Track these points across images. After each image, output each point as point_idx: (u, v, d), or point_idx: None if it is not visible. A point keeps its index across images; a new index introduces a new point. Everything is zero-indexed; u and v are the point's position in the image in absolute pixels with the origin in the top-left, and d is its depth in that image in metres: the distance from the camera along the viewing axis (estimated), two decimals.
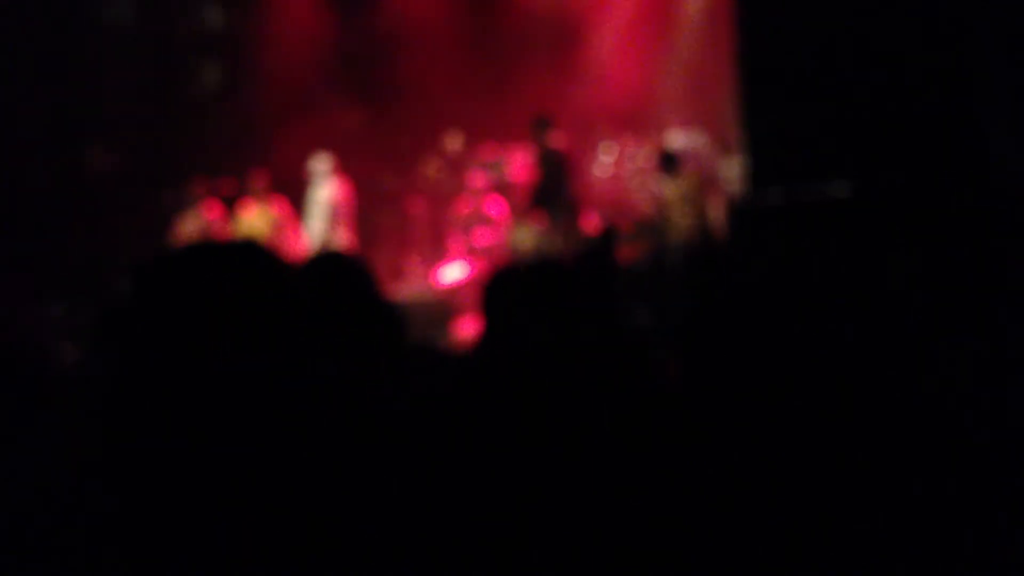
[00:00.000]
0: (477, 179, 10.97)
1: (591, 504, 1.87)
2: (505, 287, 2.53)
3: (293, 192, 10.77)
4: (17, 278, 9.81)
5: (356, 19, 12.50)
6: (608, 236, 8.82)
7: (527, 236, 9.71)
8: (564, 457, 1.95)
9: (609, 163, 11.31)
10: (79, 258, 10.60)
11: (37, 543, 1.43)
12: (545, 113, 10.00)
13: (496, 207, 10.64)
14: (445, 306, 9.35)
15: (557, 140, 9.91)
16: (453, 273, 10.42)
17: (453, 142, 11.08)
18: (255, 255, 1.46)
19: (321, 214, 10.50)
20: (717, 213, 9.10)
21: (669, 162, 9.48)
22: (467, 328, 9.08)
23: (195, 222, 10.22)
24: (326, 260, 2.73)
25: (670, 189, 9.34)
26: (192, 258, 1.45)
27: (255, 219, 10.21)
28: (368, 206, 11.63)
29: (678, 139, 10.78)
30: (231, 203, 10.52)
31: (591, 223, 10.24)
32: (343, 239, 10.46)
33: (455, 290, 9.92)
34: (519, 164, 10.98)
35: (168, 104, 12.13)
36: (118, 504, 1.39)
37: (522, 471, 1.93)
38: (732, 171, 9.96)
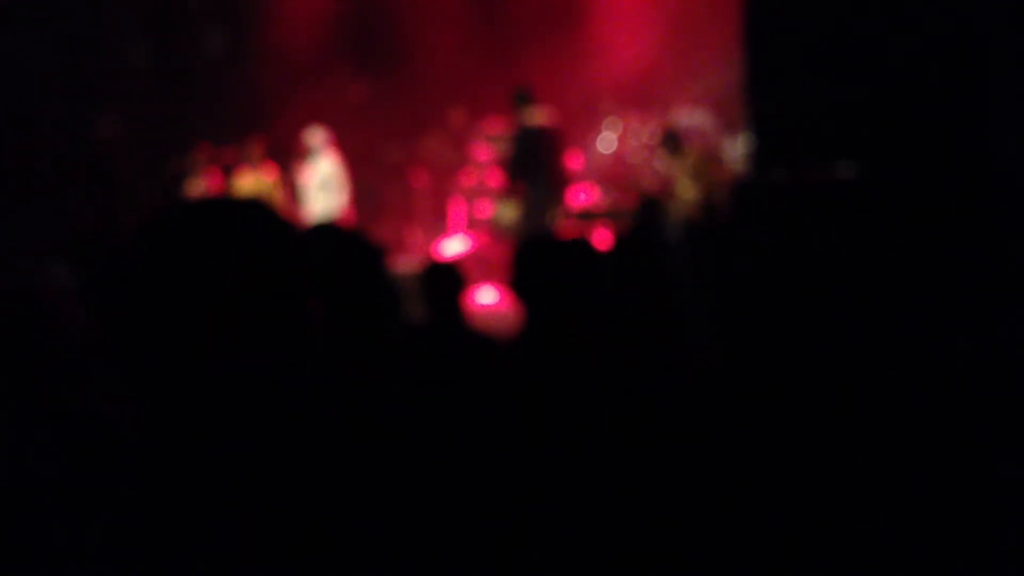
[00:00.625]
0: (481, 152, 10.95)
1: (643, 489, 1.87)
2: (544, 267, 2.53)
3: (295, 160, 10.77)
4: (23, 242, 9.81)
5: None
6: (650, 209, 8.67)
7: (509, 212, 9.64)
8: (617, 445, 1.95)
9: (613, 139, 11.29)
10: (85, 223, 10.61)
11: (37, 514, 1.43)
12: (525, 87, 9.72)
13: (499, 180, 10.63)
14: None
15: (540, 115, 9.75)
16: (455, 246, 10.42)
17: (457, 116, 11.02)
18: (261, 212, 1.45)
19: (322, 187, 10.45)
20: (723, 190, 9.08)
21: (672, 142, 9.46)
22: (476, 300, 9.09)
23: (196, 189, 10.27)
24: (325, 233, 2.72)
25: (675, 165, 9.33)
26: (199, 214, 1.44)
27: (250, 185, 10.24)
28: (371, 178, 11.63)
29: (683, 117, 10.76)
30: (231, 170, 10.53)
31: (589, 197, 10.23)
32: (341, 212, 10.45)
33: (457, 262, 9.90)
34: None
35: (174, 72, 12.11)
36: (125, 472, 1.39)
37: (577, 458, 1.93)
38: (737, 150, 9.94)
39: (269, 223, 1.46)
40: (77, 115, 11.41)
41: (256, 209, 1.47)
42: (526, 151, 9.56)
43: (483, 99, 11.13)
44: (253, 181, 10.30)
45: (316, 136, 10.43)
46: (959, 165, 4.98)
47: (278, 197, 10.24)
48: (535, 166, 9.54)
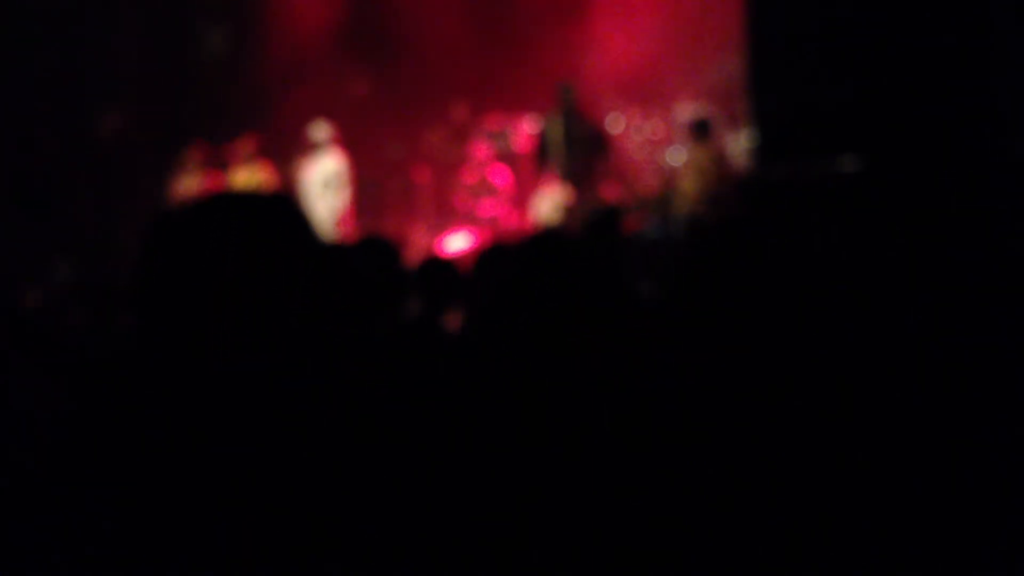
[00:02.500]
0: (481, 149, 10.95)
1: (599, 489, 1.87)
2: (495, 263, 2.52)
3: (296, 156, 10.77)
4: (24, 241, 9.81)
5: None
6: (613, 209, 8.75)
7: (553, 208, 9.62)
8: (569, 441, 1.94)
9: (616, 134, 11.27)
10: (86, 221, 10.61)
11: (34, 513, 1.42)
12: (570, 80, 9.88)
13: (501, 177, 10.62)
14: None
15: (587, 111, 9.87)
16: (457, 242, 10.42)
17: (458, 111, 10.99)
18: (284, 207, 1.44)
19: (326, 184, 10.37)
20: (727, 185, 9.05)
21: (702, 129, 9.37)
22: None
23: (191, 186, 10.25)
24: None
25: (696, 155, 9.27)
26: (211, 209, 1.43)
27: (244, 182, 10.24)
28: (373, 174, 11.62)
29: (686, 112, 10.74)
30: (226, 168, 10.52)
31: (609, 194, 10.23)
32: (343, 210, 10.43)
33: (459, 259, 9.90)
34: (524, 134, 10.95)
35: (175, 68, 12.11)
36: (123, 470, 1.38)
37: (528, 456, 1.92)
38: (740, 145, 9.92)
39: (291, 217, 1.45)
40: (77, 113, 11.41)
41: (279, 204, 1.46)
42: (581, 146, 9.61)
43: (485, 95, 11.11)
44: (247, 178, 10.29)
45: (321, 131, 10.34)
46: (962, 159, 4.97)
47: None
48: (588, 162, 9.60)
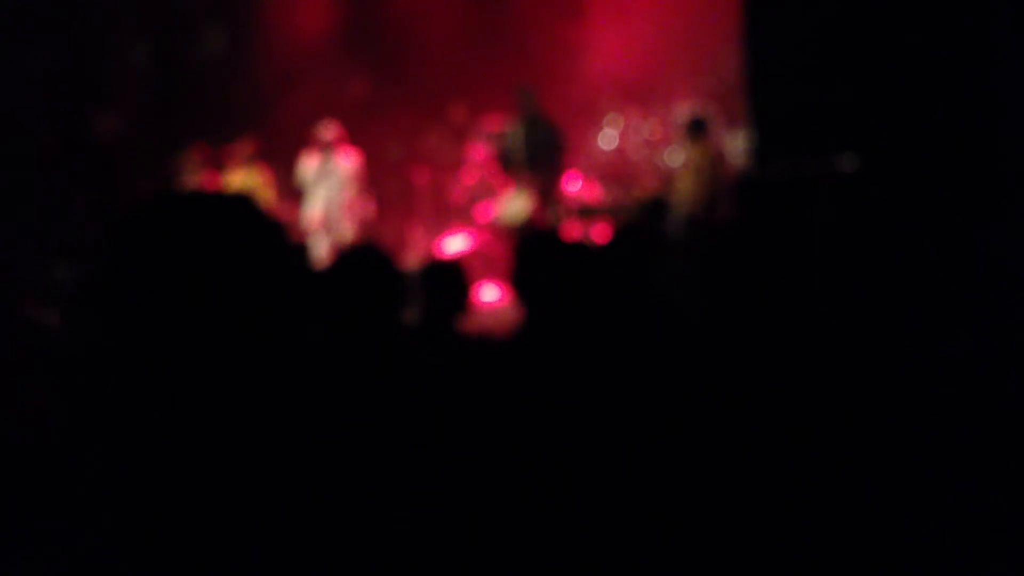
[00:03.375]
0: (480, 150, 10.94)
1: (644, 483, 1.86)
2: (545, 263, 2.52)
3: (295, 158, 10.76)
4: (23, 241, 9.82)
5: None
6: (657, 207, 8.71)
7: (519, 207, 9.67)
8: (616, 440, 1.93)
9: (615, 136, 11.27)
10: (84, 222, 10.61)
11: (20, 512, 1.41)
12: (529, 85, 9.91)
13: (500, 178, 10.61)
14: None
15: (544, 110, 9.89)
16: (456, 244, 10.40)
17: (457, 112, 10.97)
18: (245, 208, 1.43)
19: (332, 185, 10.28)
20: (725, 184, 9.04)
21: (697, 128, 9.35)
22: (478, 297, 9.08)
23: (191, 187, 10.26)
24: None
25: (692, 153, 9.26)
26: (176, 209, 1.42)
27: (240, 184, 10.24)
28: (372, 175, 11.62)
29: (684, 112, 10.73)
30: (223, 169, 10.53)
31: (590, 193, 10.23)
32: (361, 210, 10.35)
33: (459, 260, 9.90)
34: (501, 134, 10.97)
35: (174, 70, 12.11)
36: (106, 471, 1.37)
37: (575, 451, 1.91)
38: (738, 144, 9.92)
39: (250, 218, 1.44)
40: (76, 113, 11.41)
41: (237, 204, 1.45)
42: (540, 145, 9.64)
43: (483, 96, 11.11)
44: (244, 180, 10.30)
45: (330, 131, 10.32)
46: (960, 158, 4.97)
47: (266, 196, 10.22)
48: (537, 158, 9.61)
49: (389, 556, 1.47)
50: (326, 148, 10.26)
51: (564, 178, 9.91)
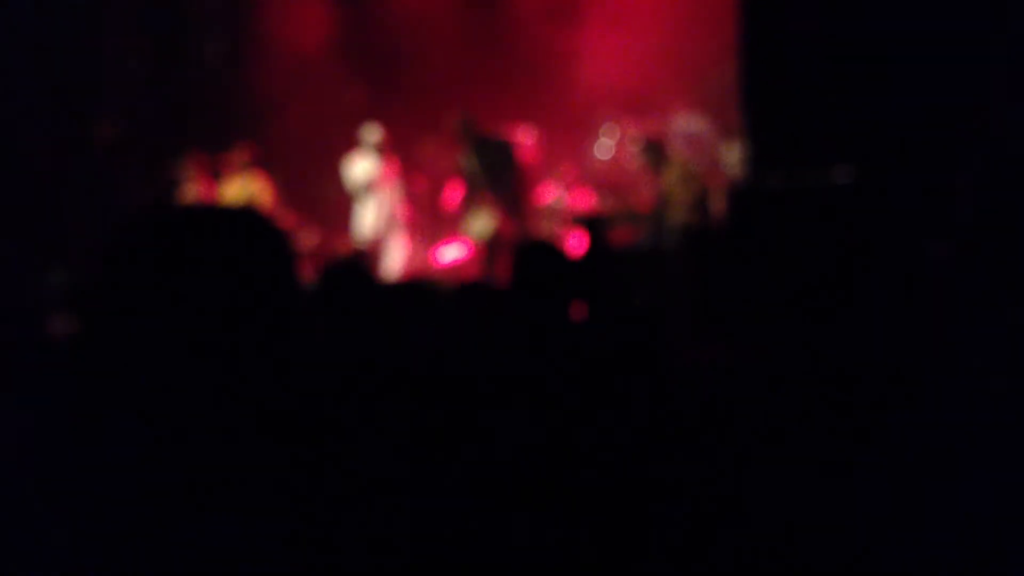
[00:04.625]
0: None
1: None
2: (542, 269, 2.55)
3: (293, 166, 10.76)
4: (20, 247, 9.81)
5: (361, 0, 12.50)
6: (597, 223, 8.79)
7: (484, 223, 9.73)
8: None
9: (611, 145, 11.29)
10: (80, 229, 10.61)
11: (23, 518, 1.42)
12: (468, 116, 10.02)
13: (461, 195, 10.64)
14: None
15: (493, 130, 9.97)
16: (452, 253, 10.41)
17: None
18: (250, 220, 1.44)
19: (368, 189, 10.18)
20: (717, 196, 9.07)
21: (655, 153, 9.25)
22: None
23: (188, 195, 10.27)
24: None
25: (665, 177, 9.28)
26: (177, 222, 1.43)
27: (237, 192, 10.24)
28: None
29: (680, 123, 10.76)
30: (220, 177, 10.53)
31: (586, 202, 10.24)
32: (402, 223, 10.29)
33: (453, 270, 9.91)
34: (521, 144, 10.97)
35: (173, 78, 12.12)
36: (103, 475, 1.38)
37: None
38: (733, 155, 9.94)
39: (255, 229, 1.44)
40: (74, 120, 11.41)
41: (242, 216, 1.46)
42: (492, 164, 9.72)
43: (480, 105, 11.12)
44: (241, 188, 10.29)
45: (373, 134, 10.25)
46: (956, 171, 4.98)
47: (265, 204, 10.22)
48: (500, 177, 9.67)
49: (383, 556, 1.48)
50: (372, 151, 10.18)
51: (532, 189, 9.93)
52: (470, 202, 10.06)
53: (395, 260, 10.16)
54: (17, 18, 10.65)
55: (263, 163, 10.52)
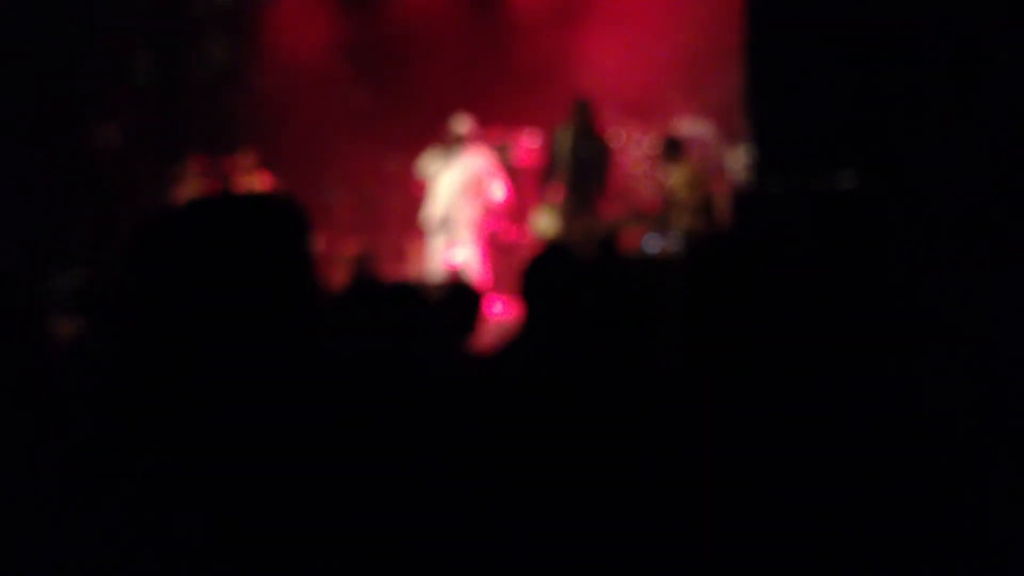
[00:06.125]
0: None
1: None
2: (551, 274, 2.54)
3: (298, 169, 10.77)
4: (22, 251, 9.81)
5: (364, 3, 12.49)
6: (613, 229, 8.83)
7: (550, 220, 9.64)
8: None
9: (615, 149, 11.28)
10: (84, 232, 10.61)
11: (30, 522, 1.42)
12: (586, 97, 9.83)
13: (501, 190, 10.61)
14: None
15: (601, 128, 9.86)
16: (462, 254, 10.39)
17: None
18: (274, 208, 1.43)
19: (454, 182, 9.59)
20: (722, 201, 9.08)
21: (672, 149, 9.46)
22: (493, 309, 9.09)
23: (191, 197, 10.26)
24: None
25: (674, 175, 9.33)
26: (204, 212, 1.43)
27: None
28: (373, 187, 11.66)
29: (685, 127, 10.77)
30: (226, 180, 10.53)
31: (608, 212, 10.24)
32: (496, 220, 9.96)
33: (461, 272, 9.90)
34: (524, 148, 10.96)
35: (176, 82, 12.13)
36: (120, 478, 1.38)
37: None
38: (738, 160, 9.94)
39: (286, 217, 1.44)
40: (78, 124, 11.42)
41: (277, 205, 1.45)
42: (589, 161, 9.59)
43: (484, 109, 11.12)
44: (246, 190, 10.30)
45: (463, 125, 9.69)
46: (959, 176, 4.98)
47: None
48: (595, 177, 9.60)
49: (383, 562, 1.47)
50: (455, 143, 9.63)
51: (600, 197, 9.84)
52: (543, 193, 9.88)
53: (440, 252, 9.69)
54: (21, 22, 10.67)
55: (269, 166, 10.54)
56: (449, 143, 9.67)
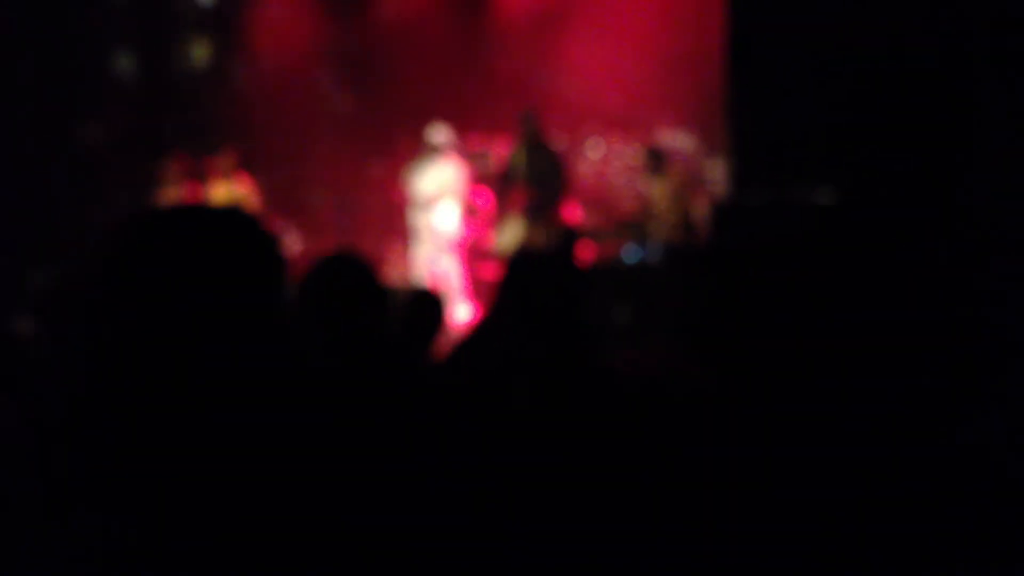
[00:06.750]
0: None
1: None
2: (534, 280, 2.55)
3: (278, 171, 10.76)
4: (2, 248, 9.77)
5: (347, 8, 12.49)
6: (568, 237, 8.84)
7: (513, 234, 9.63)
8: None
9: (596, 160, 11.30)
10: (63, 231, 10.57)
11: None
12: (533, 108, 9.83)
13: (482, 198, 10.61)
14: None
15: (550, 137, 9.87)
16: (443, 264, 10.39)
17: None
18: (239, 221, 1.44)
19: (434, 198, 9.66)
20: (701, 213, 9.11)
21: (656, 160, 9.50)
22: (458, 317, 9.07)
23: (170, 198, 10.25)
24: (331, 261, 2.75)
25: (656, 187, 9.36)
26: (171, 222, 1.43)
27: (223, 195, 10.21)
28: (353, 191, 11.64)
29: (666, 139, 10.80)
30: (205, 180, 10.51)
31: (571, 219, 10.25)
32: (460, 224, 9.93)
33: (439, 279, 9.90)
34: (504, 156, 10.97)
35: (158, 82, 12.10)
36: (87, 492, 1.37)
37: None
38: (718, 172, 9.98)
39: (245, 231, 1.44)
40: (59, 123, 11.37)
41: (231, 217, 1.45)
42: (544, 171, 9.54)
43: (466, 116, 11.13)
44: (226, 191, 10.28)
45: (439, 134, 9.72)
46: (939, 191, 5.01)
47: (252, 205, 10.19)
48: (538, 184, 9.53)
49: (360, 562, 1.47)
50: (431, 152, 9.68)
51: (561, 205, 9.85)
52: (502, 208, 9.84)
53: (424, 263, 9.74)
54: (2, 22, 10.62)
55: (248, 167, 10.51)
56: (425, 152, 9.72)
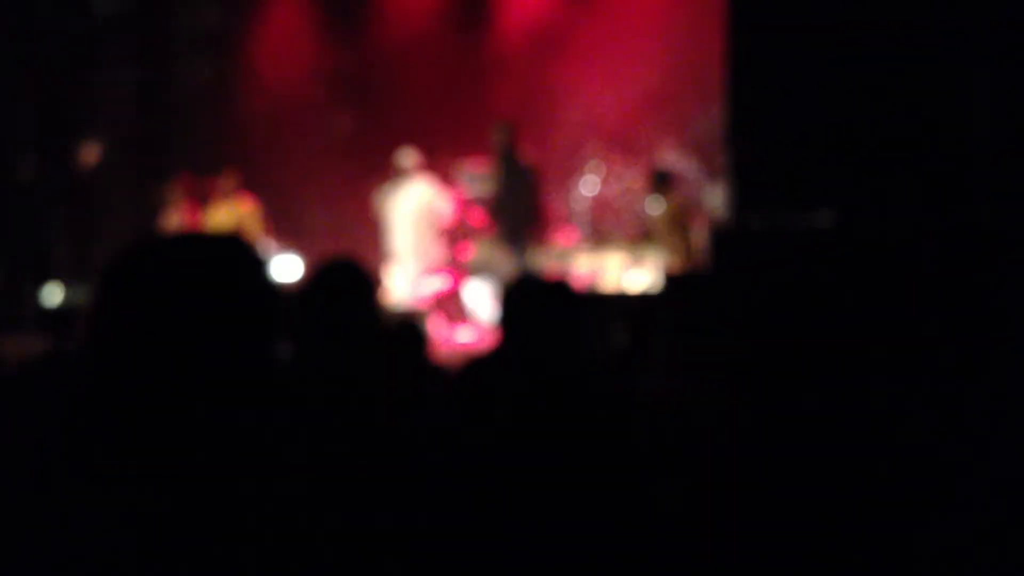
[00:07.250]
0: (460, 191, 10.96)
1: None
2: (531, 304, 2.55)
3: (278, 192, 10.77)
4: (2, 268, 9.79)
5: (348, 30, 12.54)
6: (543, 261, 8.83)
7: (485, 256, 9.62)
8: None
9: (596, 182, 11.32)
10: (65, 251, 10.59)
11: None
12: (507, 121, 9.64)
13: (480, 220, 10.63)
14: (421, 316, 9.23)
15: (524, 152, 9.79)
16: (433, 284, 10.40)
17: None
18: (235, 248, 1.45)
19: (404, 216, 9.67)
20: (701, 237, 9.12)
21: (662, 181, 9.49)
22: (455, 339, 9.06)
23: (173, 219, 10.29)
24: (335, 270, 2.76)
25: (657, 210, 9.37)
26: (168, 250, 1.44)
27: (224, 217, 10.23)
28: (351, 211, 11.66)
29: (667, 162, 10.83)
30: (207, 202, 10.53)
31: (570, 239, 10.25)
32: (452, 256, 9.87)
33: (434, 300, 9.91)
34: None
35: (158, 101, 12.14)
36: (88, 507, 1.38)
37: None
38: (717, 197, 10.00)
39: (242, 259, 1.45)
40: (59, 142, 11.41)
41: (229, 245, 1.46)
42: (508, 185, 9.52)
43: (464, 138, 11.17)
44: (227, 212, 10.30)
45: (408, 158, 9.74)
46: (938, 215, 5.01)
47: (253, 228, 10.21)
48: (522, 205, 9.46)
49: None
50: (401, 175, 9.69)
51: (543, 224, 9.80)
52: (483, 223, 9.77)
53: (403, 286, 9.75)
54: (4, 39, 10.65)
55: (250, 188, 10.54)
56: (395, 176, 9.74)
